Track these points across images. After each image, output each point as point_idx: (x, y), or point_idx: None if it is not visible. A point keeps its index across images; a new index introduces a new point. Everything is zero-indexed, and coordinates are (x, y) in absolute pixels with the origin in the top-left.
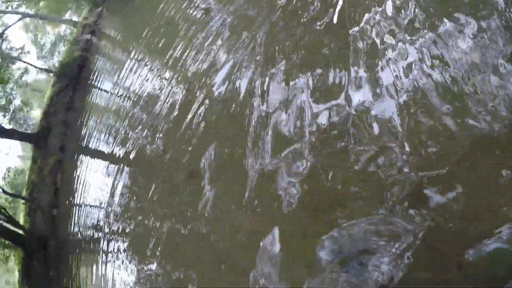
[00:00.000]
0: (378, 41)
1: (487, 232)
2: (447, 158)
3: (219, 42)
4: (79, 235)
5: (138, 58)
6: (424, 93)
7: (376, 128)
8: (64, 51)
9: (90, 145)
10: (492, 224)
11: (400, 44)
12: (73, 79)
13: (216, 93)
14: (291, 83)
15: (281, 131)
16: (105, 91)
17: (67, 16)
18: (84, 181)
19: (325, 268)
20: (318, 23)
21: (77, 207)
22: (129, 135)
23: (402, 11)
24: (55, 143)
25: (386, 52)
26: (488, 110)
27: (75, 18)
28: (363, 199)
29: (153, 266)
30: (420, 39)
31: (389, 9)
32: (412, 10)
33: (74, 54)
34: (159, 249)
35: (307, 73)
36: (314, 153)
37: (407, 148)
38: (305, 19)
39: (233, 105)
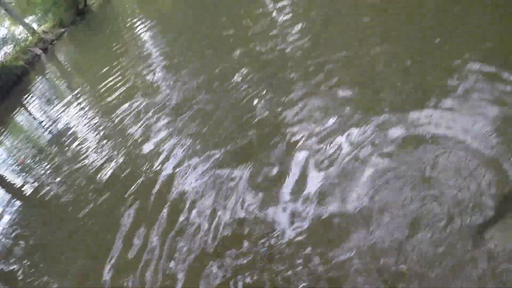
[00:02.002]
0: None
1: None
2: None
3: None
4: None
5: (78, 97)
6: None
7: None
8: (10, 53)
9: None
10: None
11: None
12: (5, 87)
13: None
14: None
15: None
16: (33, 115)
17: (29, 20)
18: None
19: None
20: None
21: None
22: (40, 172)
23: None
24: None
25: None
26: None
27: (35, 26)
28: None
29: None
30: None
31: None
32: None
33: (18, 62)
34: None
35: None
36: None
37: None
38: None
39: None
